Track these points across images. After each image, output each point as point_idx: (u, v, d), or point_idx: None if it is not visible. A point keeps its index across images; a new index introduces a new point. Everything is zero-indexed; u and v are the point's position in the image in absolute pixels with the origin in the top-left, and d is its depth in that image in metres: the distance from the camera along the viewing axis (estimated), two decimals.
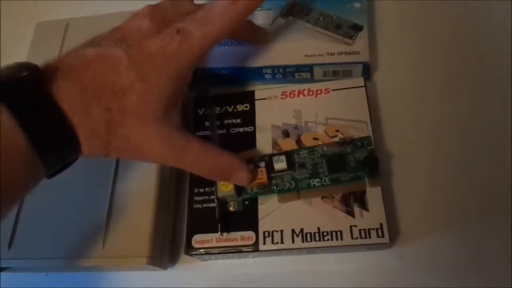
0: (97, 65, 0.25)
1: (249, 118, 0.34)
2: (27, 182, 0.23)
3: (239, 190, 0.31)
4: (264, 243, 0.30)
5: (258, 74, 0.37)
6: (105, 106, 0.24)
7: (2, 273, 0.34)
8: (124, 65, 0.25)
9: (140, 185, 0.32)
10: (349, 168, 0.30)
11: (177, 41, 0.26)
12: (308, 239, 0.29)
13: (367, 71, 0.35)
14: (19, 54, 0.40)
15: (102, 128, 0.24)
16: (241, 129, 0.34)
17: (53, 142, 0.23)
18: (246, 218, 0.31)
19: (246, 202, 0.31)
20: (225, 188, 0.31)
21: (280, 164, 0.31)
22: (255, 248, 0.30)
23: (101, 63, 0.25)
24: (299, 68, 0.36)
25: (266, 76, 0.37)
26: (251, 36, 0.36)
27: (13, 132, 0.21)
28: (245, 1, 0.28)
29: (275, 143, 0.33)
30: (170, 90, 0.26)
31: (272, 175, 0.31)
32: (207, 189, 0.32)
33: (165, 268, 0.32)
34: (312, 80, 0.37)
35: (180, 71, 0.27)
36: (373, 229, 0.29)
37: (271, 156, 0.32)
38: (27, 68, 0.23)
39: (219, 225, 0.30)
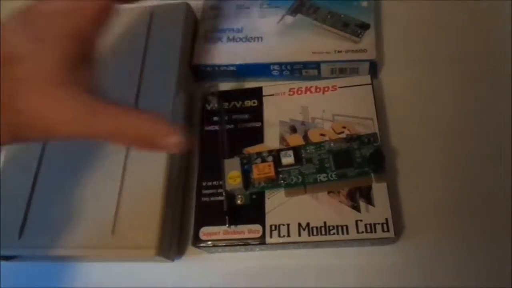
0: None
1: (257, 113, 0.35)
2: None
3: (246, 183, 0.31)
4: (271, 236, 0.30)
5: (265, 70, 0.38)
6: None
7: (11, 262, 0.35)
8: (14, 29, 0.23)
9: (149, 176, 0.32)
10: (356, 164, 0.31)
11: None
12: (314, 233, 0.30)
13: (373, 68, 0.36)
14: None
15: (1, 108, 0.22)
16: (249, 125, 0.34)
17: None
18: (253, 212, 0.31)
19: (253, 196, 0.32)
20: (233, 182, 0.31)
21: (287, 159, 0.31)
22: (262, 241, 0.30)
23: None
24: (306, 65, 0.37)
25: (274, 72, 0.38)
26: None
27: None
28: None
29: (282, 139, 0.33)
30: (70, 49, 0.24)
31: (279, 169, 0.31)
32: (215, 182, 0.33)
33: (172, 260, 0.33)
34: (319, 77, 0.37)
35: (79, 28, 0.24)
36: (378, 223, 0.29)
37: (278, 151, 0.32)
38: None
39: (227, 217, 0.31)
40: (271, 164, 0.31)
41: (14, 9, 0.24)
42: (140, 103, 0.35)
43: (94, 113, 0.24)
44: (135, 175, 0.33)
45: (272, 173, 0.31)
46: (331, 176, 0.31)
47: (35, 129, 0.24)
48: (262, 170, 0.31)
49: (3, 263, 0.34)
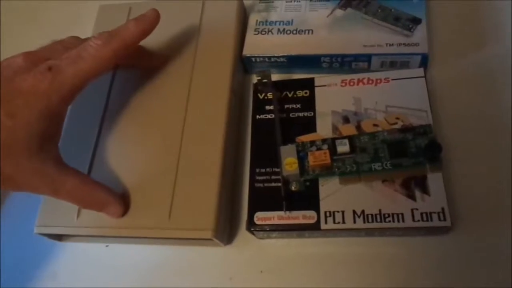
0: None
1: (309, 103, 0.35)
2: None
3: (302, 171, 0.32)
4: (326, 223, 0.31)
5: (315, 62, 0.38)
6: None
7: (65, 244, 0.36)
8: None
9: (206, 157, 0.33)
10: (410, 154, 0.31)
11: (48, 78, 0.27)
12: (370, 220, 0.30)
13: (424, 62, 0.36)
14: (83, 35, 0.42)
15: None
16: (301, 114, 0.35)
17: None
18: (308, 198, 0.31)
19: (307, 183, 0.32)
20: (290, 168, 0.32)
21: (343, 147, 0.32)
22: (316, 227, 0.31)
23: None
24: (357, 57, 0.37)
25: (324, 65, 0.38)
26: (144, 62, 0.38)
27: None
28: (118, 43, 0.30)
29: (335, 128, 0.34)
30: (42, 126, 0.27)
31: (334, 157, 0.32)
32: (268, 169, 0.33)
33: (225, 245, 0.33)
34: (368, 70, 0.38)
35: (51, 107, 0.28)
36: (434, 212, 0.29)
37: (333, 139, 0.33)
38: None
39: (284, 202, 0.31)
40: (327, 151, 0.32)
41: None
42: (192, 95, 0.36)
43: (58, 183, 0.29)
44: (191, 157, 0.33)
45: (328, 160, 0.31)
46: (386, 165, 0.31)
47: (4, 187, 0.28)
48: (318, 158, 0.31)
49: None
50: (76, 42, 0.31)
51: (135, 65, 0.38)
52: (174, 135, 0.34)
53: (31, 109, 0.27)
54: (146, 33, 0.32)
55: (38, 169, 0.28)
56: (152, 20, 0.32)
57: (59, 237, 0.36)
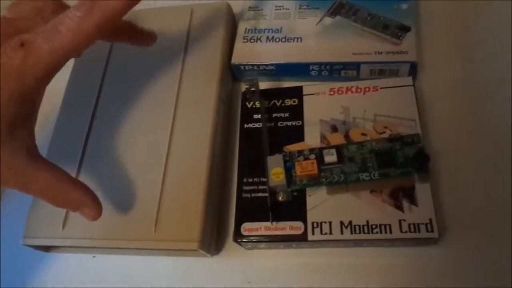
0: None
1: (297, 112, 0.35)
2: None
3: (289, 180, 0.32)
4: (313, 233, 0.30)
5: (304, 70, 0.38)
6: None
7: (51, 254, 0.35)
8: None
9: (192, 170, 0.33)
10: (398, 164, 0.31)
11: (19, 55, 0.24)
12: (357, 231, 0.30)
13: (413, 70, 0.36)
14: None
15: None
16: (289, 123, 0.35)
17: None
18: (295, 209, 0.31)
19: (295, 193, 0.32)
20: (276, 178, 0.31)
21: (330, 157, 0.32)
22: (303, 238, 0.30)
23: None
24: (346, 65, 0.37)
25: (312, 73, 0.38)
26: (134, 39, 0.33)
27: None
28: (100, 16, 0.25)
29: (323, 137, 0.34)
30: (13, 112, 0.24)
31: (322, 167, 0.32)
32: (255, 179, 0.33)
33: (211, 255, 0.33)
34: (357, 78, 0.38)
35: (24, 89, 0.24)
36: (422, 223, 0.29)
37: (321, 149, 0.32)
38: None
39: (270, 213, 0.31)
40: (314, 161, 0.31)
41: None
42: (180, 103, 0.36)
43: (28, 177, 0.25)
44: (177, 167, 0.33)
45: (315, 170, 0.31)
46: (373, 175, 0.31)
47: None
48: (305, 168, 0.31)
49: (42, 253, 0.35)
50: (51, 7, 0.27)
51: (123, 42, 0.33)
52: (161, 145, 0.34)
53: (1, 92, 0.23)
54: (132, 4, 0.27)
55: (6, 160, 0.24)
56: None
57: (47, 248, 0.35)
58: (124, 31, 0.32)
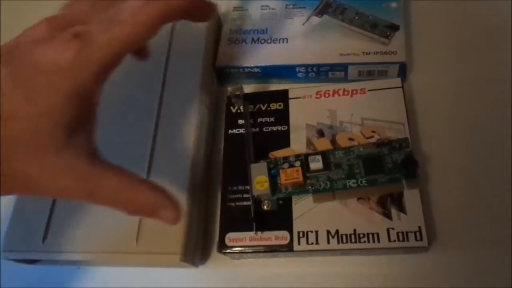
0: None
1: (283, 117, 0.34)
2: None
3: (273, 188, 0.31)
4: (299, 244, 0.29)
5: (291, 72, 0.37)
6: None
7: (34, 266, 0.34)
8: (6, 84, 0.20)
9: (173, 182, 0.32)
10: (386, 170, 0.30)
11: (74, 49, 0.21)
12: (344, 241, 0.29)
13: (403, 71, 0.35)
14: None
15: None
16: (274, 128, 0.34)
17: None
18: (280, 218, 0.30)
19: (280, 202, 0.31)
20: (260, 187, 0.30)
21: (316, 164, 0.31)
22: (289, 248, 0.29)
23: None
24: (333, 67, 0.36)
25: (299, 74, 0.37)
26: (195, 16, 0.27)
27: None
28: (163, 6, 0.23)
29: (309, 143, 0.33)
30: (69, 112, 0.21)
31: (307, 174, 0.31)
32: (240, 187, 0.32)
33: (197, 266, 0.32)
34: (345, 79, 0.37)
35: (80, 87, 0.21)
36: (411, 232, 0.28)
37: (306, 155, 0.31)
38: None
39: (254, 223, 0.30)
40: (299, 169, 0.30)
41: (10, 50, 0.22)
42: (163, 105, 0.35)
43: (94, 182, 0.22)
44: (159, 177, 0.32)
45: (300, 178, 0.30)
46: (361, 182, 0.30)
47: (26, 191, 0.22)
48: (290, 175, 0.30)
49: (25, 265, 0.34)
50: (108, 1, 0.24)
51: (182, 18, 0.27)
52: (143, 153, 0.33)
53: (55, 91, 0.21)
54: None
55: (68, 168, 0.21)
56: None
57: (31, 261, 0.35)
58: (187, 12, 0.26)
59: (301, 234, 0.30)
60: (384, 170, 0.30)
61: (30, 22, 0.46)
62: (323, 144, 0.32)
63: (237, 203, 0.31)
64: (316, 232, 0.29)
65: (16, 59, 0.21)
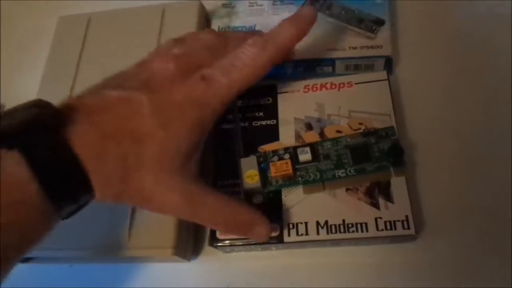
0: (119, 109, 0.24)
1: (272, 111, 0.34)
2: (41, 231, 0.22)
3: (264, 182, 0.31)
4: (289, 235, 0.30)
5: (279, 68, 0.37)
6: (122, 154, 0.23)
7: (27, 265, 0.35)
8: (146, 111, 0.24)
9: None
10: (374, 158, 0.31)
11: (202, 88, 0.25)
12: (333, 231, 0.29)
13: (389, 64, 0.35)
14: (42, 48, 0.41)
15: (117, 177, 0.23)
16: (263, 122, 0.34)
17: (68, 192, 0.22)
18: (271, 210, 0.31)
19: (271, 194, 0.31)
20: (250, 181, 0.31)
21: (304, 156, 0.31)
22: (279, 240, 0.30)
23: (123, 108, 0.24)
24: (321, 62, 0.36)
25: (287, 70, 0.37)
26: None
27: (28, 184, 0.20)
28: (274, 49, 0.27)
29: (298, 136, 0.33)
30: (191, 139, 0.25)
31: (297, 166, 0.31)
32: (231, 181, 0.32)
33: (189, 260, 0.33)
34: (333, 74, 0.37)
35: (202, 119, 0.26)
36: (398, 221, 0.29)
37: (295, 148, 0.32)
38: (41, 106, 0.22)
39: None
40: (288, 161, 0.31)
41: (145, 81, 0.26)
42: None
43: (199, 203, 0.26)
44: None
45: (290, 170, 0.30)
46: (349, 171, 0.31)
47: (140, 203, 0.26)
48: (279, 168, 0.31)
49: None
50: (216, 40, 0.29)
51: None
52: None
53: (183, 121, 0.25)
54: (302, 34, 0.29)
55: (179, 187, 0.25)
56: (308, 19, 0.29)
57: (25, 260, 0.35)
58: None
59: (291, 226, 0.30)
60: (371, 158, 0.31)
61: (30, 22, 0.46)
62: (312, 137, 0.33)
63: None
64: (306, 223, 0.30)
65: (155, 91, 0.25)
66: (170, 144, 0.24)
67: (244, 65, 0.27)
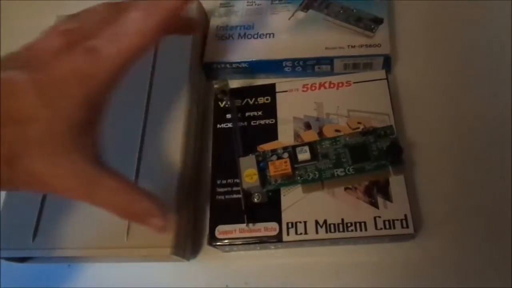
0: None
1: (271, 110, 0.34)
2: None
3: (263, 181, 0.31)
4: (288, 234, 0.30)
5: (278, 67, 0.37)
6: (5, 138, 0.22)
7: (25, 265, 0.34)
8: (29, 91, 0.22)
9: (163, 176, 0.32)
10: (373, 157, 0.31)
11: (87, 61, 0.23)
12: (332, 230, 0.29)
13: (387, 63, 0.35)
14: None
15: (1, 161, 0.22)
16: (262, 122, 0.34)
17: None
18: (269, 209, 0.31)
19: (270, 194, 0.31)
20: (250, 180, 0.31)
21: (303, 155, 0.31)
22: (278, 239, 0.30)
23: (4, 89, 0.22)
24: (319, 60, 0.36)
25: (286, 69, 0.37)
26: (182, 31, 0.32)
27: None
28: (162, 13, 0.25)
29: (297, 135, 0.33)
30: (80, 118, 0.23)
31: (295, 166, 0.31)
32: (229, 180, 0.32)
33: (188, 259, 0.33)
34: (331, 73, 0.37)
35: (91, 95, 0.24)
36: (397, 219, 0.29)
37: (294, 147, 0.32)
38: None
39: (245, 216, 0.30)
40: (287, 160, 0.31)
41: (28, 58, 0.24)
42: (152, 101, 0.35)
43: (94, 185, 0.24)
44: (148, 174, 0.32)
45: (288, 169, 0.30)
46: (348, 170, 0.30)
47: (36, 187, 0.24)
48: (278, 167, 0.31)
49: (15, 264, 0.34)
50: (107, 11, 0.27)
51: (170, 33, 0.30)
52: (132, 149, 0.33)
53: (70, 98, 0.23)
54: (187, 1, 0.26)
55: (73, 169, 0.23)
56: None
57: (21, 259, 0.35)
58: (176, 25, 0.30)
59: (290, 225, 0.30)
60: (370, 157, 0.31)
61: (30, 22, 0.46)
62: (311, 136, 0.33)
63: (227, 196, 0.32)
64: (305, 222, 0.30)
65: (37, 69, 0.23)
66: (57, 124, 0.23)
67: (131, 31, 0.24)
